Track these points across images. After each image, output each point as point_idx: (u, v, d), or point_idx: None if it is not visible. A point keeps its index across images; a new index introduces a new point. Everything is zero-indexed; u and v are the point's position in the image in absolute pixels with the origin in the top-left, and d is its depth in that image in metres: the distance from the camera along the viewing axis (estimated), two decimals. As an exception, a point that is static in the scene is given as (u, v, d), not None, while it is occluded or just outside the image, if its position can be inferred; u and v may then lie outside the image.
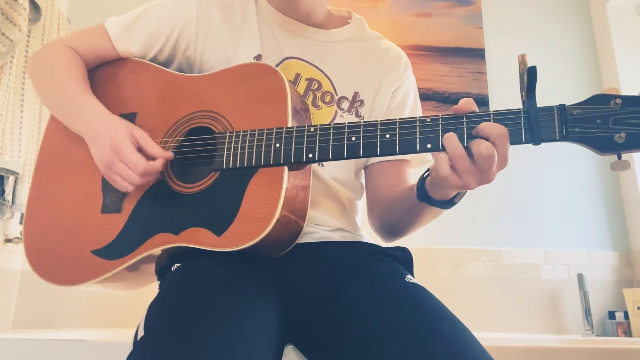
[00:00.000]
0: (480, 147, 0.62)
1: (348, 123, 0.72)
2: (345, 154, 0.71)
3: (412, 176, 0.91)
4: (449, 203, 0.73)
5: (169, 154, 0.79)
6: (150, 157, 0.78)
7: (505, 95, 2.20)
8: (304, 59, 0.91)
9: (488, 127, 0.63)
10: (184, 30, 0.89)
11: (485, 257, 2.05)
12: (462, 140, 0.65)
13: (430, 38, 2.31)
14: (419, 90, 1.00)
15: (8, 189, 1.64)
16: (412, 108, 0.97)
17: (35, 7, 1.70)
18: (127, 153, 0.76)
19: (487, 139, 0.63)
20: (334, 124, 0.73)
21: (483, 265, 2.04)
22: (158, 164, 0.77)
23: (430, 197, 0.73)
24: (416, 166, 0.96)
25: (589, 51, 2.36)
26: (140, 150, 0.78)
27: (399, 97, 0.94)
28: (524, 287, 2.01)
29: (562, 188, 2.16)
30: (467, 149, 0.64)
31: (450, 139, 0.64)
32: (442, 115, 0.67)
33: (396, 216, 0.87)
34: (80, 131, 0.84)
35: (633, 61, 2.23)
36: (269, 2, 0.93)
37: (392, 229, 0.90)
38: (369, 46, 0.97)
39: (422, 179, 0.74)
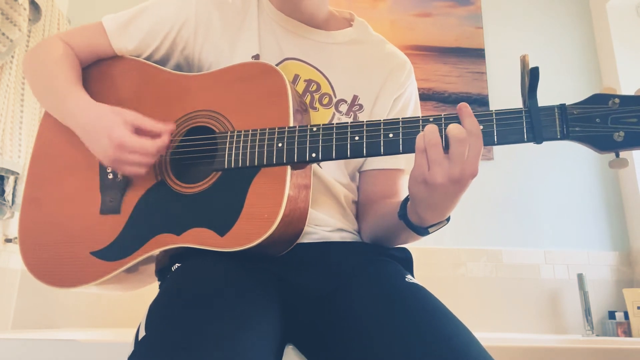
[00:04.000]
0: (455, 129, 0.63)
1: (351, 122, 0.72)
2: (348, 153, 0.71)
3: (405, 186, 0.90)
4: (423, 230, 0.73)
5: (171, 126, 0.79)
6: (151, 135, 0.78)
7: (505, 95, 2.20)
8: (304, 60, 0.90)
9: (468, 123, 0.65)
10: (182, 29, 0.88)
11: (485, 257, 2.04)
12: None
13: (430, 38, 2.31)
14: (419, 91, 1.00)
15: (8, 189, 1.64)
16: (412, 115, 0.95)
17: (35, 7, 1.70)
18: (131, 143, 0.75)
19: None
20: (336, 124, 0.73)
21: (483, 265, 2.03)
22: (166, 139, 0.78)
23: (407, 217, 0.73)
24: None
25: (589, 51, 2.35)
26: (138, 131, 0.78)
27: (399, 105, 0.93)
28: (524, 287, 2.01)
29: (562, 188, 2.16)
30: (446, 145, 0.64)
31: (430, 129, 0.65)
32: (444, 115, 0.68)
33: (380, 232, 0.86)
34: (72, 126, 0.83)
35: (633, 61, 2.23)
36: (271, 2, 0.92)
37: (376, 242, 0.89)
38: (371, 49, 0.96)
39: (407, 199, 0.74)
